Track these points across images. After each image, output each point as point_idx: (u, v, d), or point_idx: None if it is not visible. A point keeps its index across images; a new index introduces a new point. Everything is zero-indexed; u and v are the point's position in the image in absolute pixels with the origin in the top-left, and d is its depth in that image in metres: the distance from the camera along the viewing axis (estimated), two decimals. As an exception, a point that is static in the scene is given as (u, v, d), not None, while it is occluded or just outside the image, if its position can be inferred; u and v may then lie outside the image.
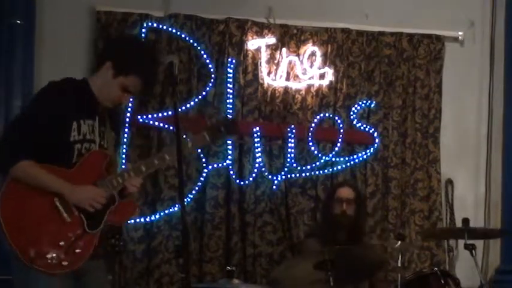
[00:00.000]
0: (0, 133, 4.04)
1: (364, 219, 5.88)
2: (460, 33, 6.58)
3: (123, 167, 3.88)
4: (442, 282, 5.01)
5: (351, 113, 6.34)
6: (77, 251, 3.64)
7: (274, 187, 6.18)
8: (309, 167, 6.24)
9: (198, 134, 3.89)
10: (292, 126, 6.21)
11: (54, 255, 3.58)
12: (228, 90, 6.16)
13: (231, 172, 6.12)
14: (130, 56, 3.77)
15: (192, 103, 6.10)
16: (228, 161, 6.12)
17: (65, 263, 3.61)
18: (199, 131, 3.91)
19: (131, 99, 5.81)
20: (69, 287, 3.66)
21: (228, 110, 6.13)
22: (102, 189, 3.70)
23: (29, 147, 3.60)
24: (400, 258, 5.11)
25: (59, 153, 3.67)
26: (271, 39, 6.27)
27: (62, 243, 3.60)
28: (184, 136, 3.82)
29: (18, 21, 5.90)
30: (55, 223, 3.61)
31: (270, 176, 6.19)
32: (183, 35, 6.14)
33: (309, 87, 6.33)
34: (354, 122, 6.34)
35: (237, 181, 6.14)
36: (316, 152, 6.25)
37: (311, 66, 6.32)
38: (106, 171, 3.77)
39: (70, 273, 3.65)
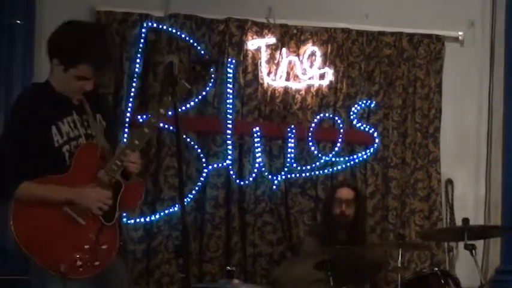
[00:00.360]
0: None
1: (364, 218, 5.88)
2: (460, 33, 6.58)
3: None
4: (442, 282, 5.01)
5: (351, 113, 6.34)
6: (104, 247, 3.62)
7: (274, 187, 6.18)
8: (309, 167, 6.24)
9: (179, 84, 3.86)
10: (292, 126, 6.21)
11: (84, 261, 3.57)
12: (228, 90, 6.16)
13: (231, 172, 6.12)
14: (72, 46, 3.67)
15: (192, 103, 6.10)
16: (228, 161, 6.12)
17: (97, 263, 3.59)
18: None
19: (131, 100, 5.99)
20: (97, 285, 3.66)
21: (228, 110, 6.13)
22: (106, 187, 3.68)
23: (22, 167, 3.57)
24: (400, 258, 5.11)
25: (50, 161, 3.63)
26: (271, 39, 6.27)
27: (86, 246, 3.58)
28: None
29: (18, 21, 5.90)
30: (72, 230, 3.59)
31: (270, 176, 6.18)
32: (183, 35, 6.13)
33: (309, 87, 6.33)
34: (354, 122, 6.34)
35: (237, 181, 6.14)
36: (316, 152, 6.25)
37: (311, 66, 6.32)
38: (101, 159, 3.75)
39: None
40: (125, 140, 5.90)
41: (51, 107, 3.70)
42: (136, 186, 3.87)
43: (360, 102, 6.37)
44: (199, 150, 6.10)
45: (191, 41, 6.14)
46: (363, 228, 5.79)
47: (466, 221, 5.08)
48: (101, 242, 3.63)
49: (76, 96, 3.76)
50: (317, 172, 6.26)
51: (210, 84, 6.15)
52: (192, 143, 6.09)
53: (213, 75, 6.06)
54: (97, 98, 3.87)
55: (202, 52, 6.05)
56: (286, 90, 6.29)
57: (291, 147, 6.20)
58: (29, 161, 3.59)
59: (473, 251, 4.99)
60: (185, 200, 5.78)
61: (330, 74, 6.33)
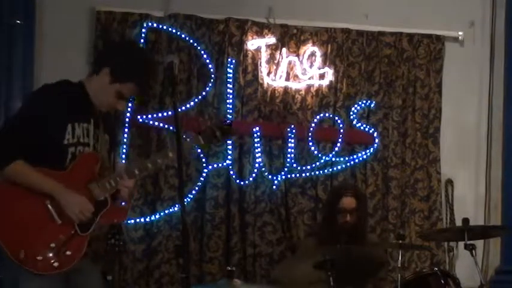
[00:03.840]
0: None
1: (366, 219, 5.86)
2: (460, 33, 6.58)
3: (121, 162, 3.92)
4: (442, 282, 5.00)
5: (351, 113, 6.34)
6: (68, 253, 3.66)
7: (274, 187, 6.18)
8: (309, 167, 6.24)
9: (193, 136, 3.91)
10: (292, 126, 6.21)
11: (44, 256, 3.60)
12: (228, 90, 6.16)
13: (231, 172, 6.12)
14: (129, 64, 3.78)
15: (192, 103, 6.10)
16: (228, 161, 6.12)
17: (55, 264, 3.63)
18: (194, 132, 3.93)
19: (131, 101, 5.97)
20: (59, 287, 3.67)
21: (228, 110, 6.13)
22: (92, 202, 3.70)
23: (23, 148, 3.61)
24: (400, 258, 5.11)
25: (52, 155, 3.67)
26: (271, 39, 6.27)
27: (52, 244, 3.62)
28: (184, 136, 3.84)
29: (18, 21, 5.90)
30: (46, 225, 3.63)
31: (270, 176, 6.18)
32: (183, 35, 6.13)
33: (309, 87, 6.33)
34: (354, 122, 6.34)
35: (237, 181, 6.14)
36: (316, 152, 6.25)
37: (311, 66, 6.32)
38: (98, 174, 3.77)
39: (61, 274, 3.66)
40: (124, 140, 5.92)
41: (76, 107, 3.75)
42: (121, 210, 3.91)
43: (360, 102, 6.37)
44: (199, 150, 6.09)
45: (191, 41, 6.14)
46: (364, 229, 5.79)
47: (466, 221, 5.08)
48: (67, 248, 3.66)
49: (103, 109, 3.83)
50: (317, 172, 6.26)
51: (211, 85, 6.16)
52: (192, 143, 6.08)
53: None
54: (109, 117, 3.93)
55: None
56: (286, 90, 6.29)
57: (291, 147, 6.20)
58: (32, 146, 3.60)
59: (473, 251, 4.99)
60: (185, 200, 5.80)
61: (329, 74, 6.33)
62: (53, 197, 3.62)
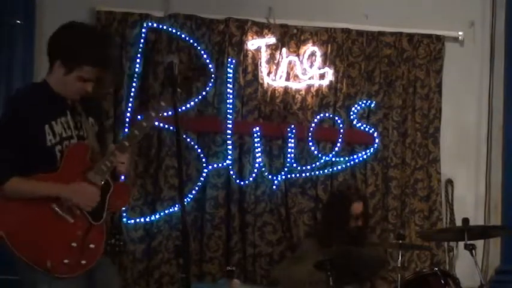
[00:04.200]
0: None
1: (368, 220, 5.86)
2: (460, 33, 6.58)
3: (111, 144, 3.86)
4: (442, 282, 5.00)
5: (351, 113, 6.34)
6: (91, 246, 3.65)
7: (274, 187, 6.18)
8: (309, 167, 6.24)
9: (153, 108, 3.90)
10: (292, 126, 6.21)
11: (70, 258, 3.58)
12: (228, 90, 6.16)
13: (231, 172, 6.12)
14: (75, 48, 3.69)
15: (192, 103, 6.10)
16: (228, 161, 6.12)
17: (83, 262, 3.61)
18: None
19: (131, 100, 5.99)
20: (84, 285, 3.66)
21: (228, 110, 6.13)
22: (94, 185, 3.69)
23: (14, 162, 3.58)
24: (400, 258, 5.11)
25: (41, 160, 3.65)
26: (271, 39, 6.27)
27: (74, 244, 3.60)
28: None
29: (18, 21, 5.90)
30: (60, 228, 3.61)
31: (270, 176, 6.18)
32: (183, 35, 6.13)
33: (309, 87, 6.33)
34: (354, 122, 6.34)
35: (237, 181, 6.14)
36: (316, 152, 6.25)
37: (311, 66, 6.32)
38: (91, 160, 3.75)
39: (86, 271, 3.65)
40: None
41: (46, 107, 3.72)
42: (124, 186, 3.90)
43: (360, 102, 6.37)
44: (199, 150, 6.10)
45: (191, 41, 6.14)
46: (367, 229, 5.79)
47: (466, 221, 5.08)
48: (88, 241, 3.64)
49: (75, 98, 3.78)
50: (317, 172, 6.26)
51: (211, 85, 6.16)
52: (192, 143, 6.09)
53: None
54: (90, 102, 3.88)
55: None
56: (286, 90, 6.29)
57: (291, 147, 6.20)
58: (20, 157, 3.59)
59: (473, 251, 4.98)
60: (185, 200, 5.80)
61: (330, 74, 6.33)
62: (57, 199, 3.61)
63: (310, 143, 6.25)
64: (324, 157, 6.25)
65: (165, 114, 5.87)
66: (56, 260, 3.55)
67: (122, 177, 3.88)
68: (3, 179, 3.57)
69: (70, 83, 3.72)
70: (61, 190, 3.62)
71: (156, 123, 5.99)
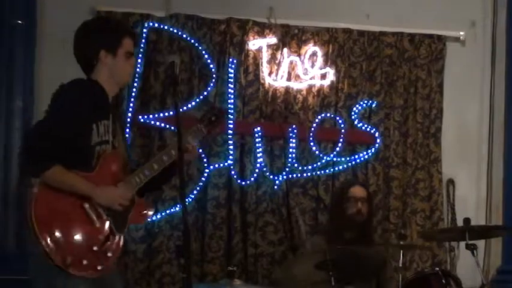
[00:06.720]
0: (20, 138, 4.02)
1: (372, 212, 5.86)
2: (462, 33, 6.58)
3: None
4: (444, 282, 5.00)
5: (352, 113, 6.34)
6: (109, 254, 3.64)
7: (275, 187, 6.18)
8: (310, 167, 6.24)
9: (193, 128, 3.91)
10: (294, 126, 6.20)
11: (89, 260, 3.57)
12: (229, 90, 6.16)
13: (233, 172, 6.12)
14: (108, 30, 3.81)
15: (193, 103, 6.10)
16: (229, 161, 6.12)
17: (99, 267, 3.60)
18: (192, 126, 3.94)
19: (132, 100, 5.99)
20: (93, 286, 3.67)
21: (229, 110, 6.13)
22: (126, 189, 3.71)
23: (60, 152, 3.55)
24: (401, 258, 5.11)
25: (82, 157, 3.63)
26: (272, 39, 6.26)
27: (95, 248, 3.59)
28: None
29: (19, 21, 5.90)
30: (86, 228, 3.60)
31: (271, 176, 6.18)
32: (184, 35, 6.13)
33: (310, 87, 6.33)
34: (355, 122, 6.34)
35: (239, 181, 6.14)
36: (317, 152, 6.25)
37: (312, 66, 6.32)
38: (121, 170, 3.77)
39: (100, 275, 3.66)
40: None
41: (97, 105, 3.72)
42: (146, 203, 3.91)
43: (361, 102, 6.36)
44: (200, 150, 6.09)
45: (192, 41, 6.14)
46: (372, 228, 5.79)
47: (467, 221, 5.08)
48: (107, 249, 3.64)
49: (128, 80, 3.93)
50: (318, 172, 6.25)
51: (212, 85, 6.16)
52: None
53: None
54: (117, 110, 3.94)
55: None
56: (287, 90, 6.29)
57: (292, 147, 6.19)
58: (67, 147, 3.57)
59: (475, 251, 4.99)
60: (186, 200, 5.78)
61: (331, 74, 6.33)
62: (89, 199, 3.60)
63: (312, 143, 6.25)
64: (325, 157, 6.25)
65: (167, 114, 6.00)
66: (76, 258, 3.54)
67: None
68: (49, 164, 3.52)
69: (121, 64, 3.78)
70: (96, 191, 3.60)
71: (157, 123, 6.03)
